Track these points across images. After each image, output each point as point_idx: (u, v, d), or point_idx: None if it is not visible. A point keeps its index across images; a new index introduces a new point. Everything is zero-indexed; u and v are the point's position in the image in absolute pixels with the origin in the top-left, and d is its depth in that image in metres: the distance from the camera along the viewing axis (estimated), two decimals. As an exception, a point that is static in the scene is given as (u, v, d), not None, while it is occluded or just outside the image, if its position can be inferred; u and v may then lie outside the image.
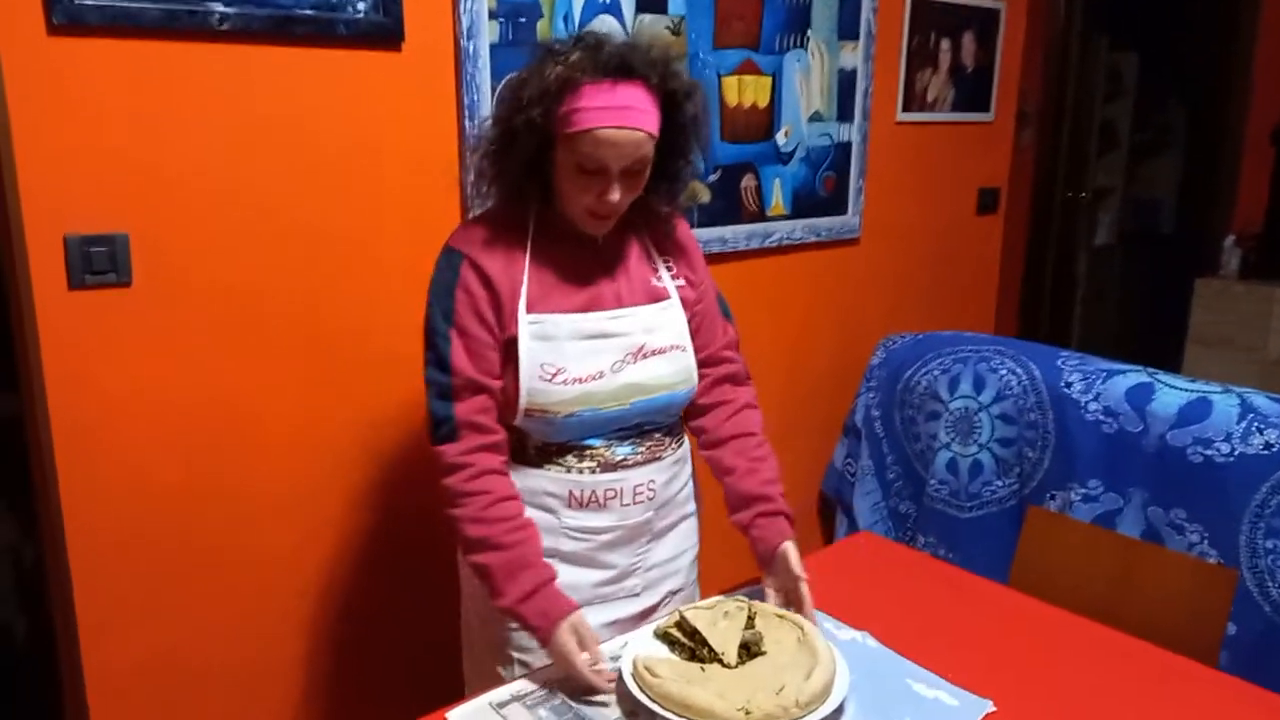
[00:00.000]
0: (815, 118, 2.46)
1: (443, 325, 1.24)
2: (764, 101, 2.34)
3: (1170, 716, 1.19)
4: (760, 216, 2.41)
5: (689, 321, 1.38)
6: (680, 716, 1.04)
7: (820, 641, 1.18)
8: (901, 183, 2.77)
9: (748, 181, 2.36)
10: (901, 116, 2.70)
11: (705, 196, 2.26)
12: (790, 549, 1.33)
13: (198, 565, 1.65)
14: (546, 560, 1.26)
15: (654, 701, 1.07)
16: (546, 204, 1.28)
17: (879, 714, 1.15)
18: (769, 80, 2.33)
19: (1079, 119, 3.76)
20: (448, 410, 1.24)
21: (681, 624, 1.20)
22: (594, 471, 1.32)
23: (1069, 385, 2.15)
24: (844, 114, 2.53)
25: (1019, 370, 2.26)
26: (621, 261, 1.34)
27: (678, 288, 1.38)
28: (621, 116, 1.15)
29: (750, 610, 1.24)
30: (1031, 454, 2.21)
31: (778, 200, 2.44)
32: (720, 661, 1.15)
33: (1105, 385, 2.08)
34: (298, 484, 1.75)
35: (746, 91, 2.29)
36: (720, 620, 1.21)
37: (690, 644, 1.19)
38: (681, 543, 1.47)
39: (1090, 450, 2.08)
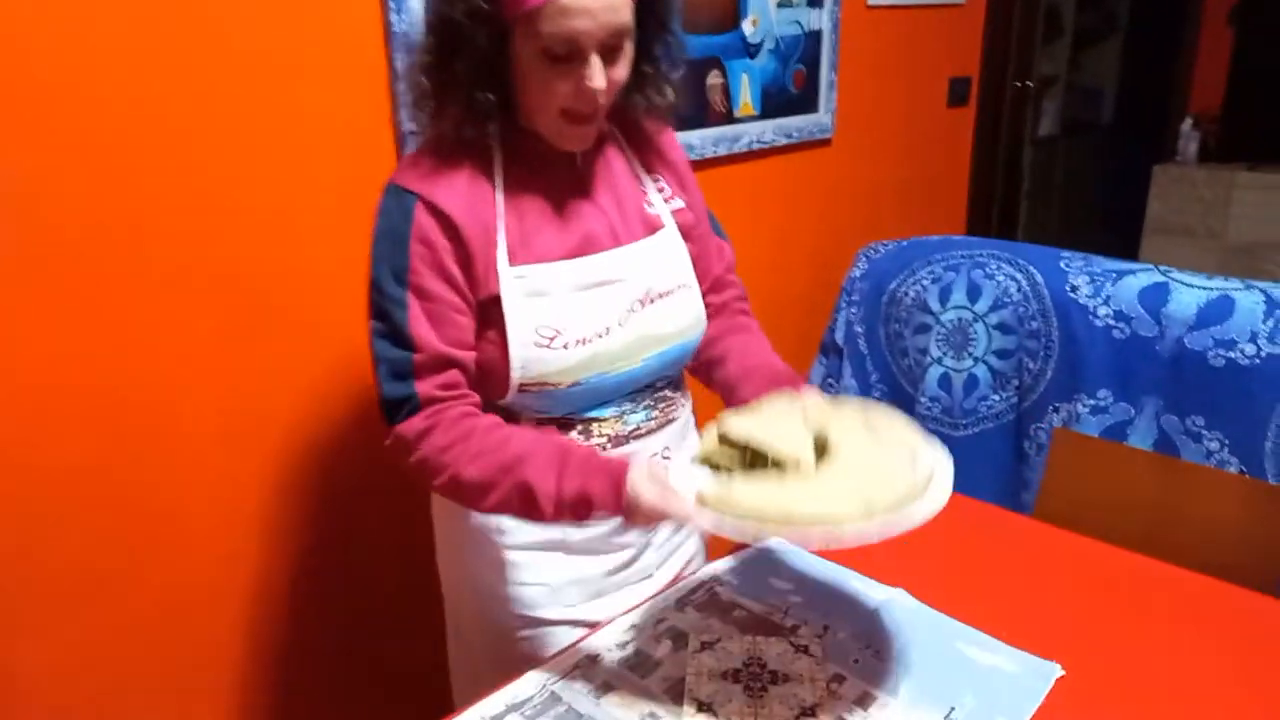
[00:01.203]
0: (784, 3, 2.20)
1: (395, 288, 0.99)
2: (728, -15, 2.06)
3: (1265, 662, 1.05)
4: (728, 118, 2.16)
5: (689, 250, 1.16)
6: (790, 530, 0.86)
7: (895, 420, 1.02)
8: (873, 75, 2.54)
9: (714, 79, 2.10)
10: (873, 0, 2.45)
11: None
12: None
13: (97, 580, 1.40)
14: (553, 551, 1.08)
15: (752, 523, 0.86)
16: (509, 121, 1.05)
17: (935, 690, 0.99)
18: (733, -40, 2.06)
19: (1026, 3, 3.56)
20: (407, 389, 0.99)
21: (726, 441, 0.98)
22: (604, 448, 1.11)
23: (1074, 289, 1.99)
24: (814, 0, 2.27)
25: (1018, 275, 2.08)
26: (609, 187, 1.12)
27: (674, 212, 1.18)
28: None
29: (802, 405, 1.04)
30: (1032, 365, 2.05)
31: (746, 99, 2.19)
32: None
33: (1115, 287, 1.92)
34: (220, 476, 1.49)
35: (709, -27, 2.01)
36: (773, 425, 0.99)
37: (743, 463, 0.97)
38: None
39: (1099, 358, 1.93)
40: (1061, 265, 2.03)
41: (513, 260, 1.02)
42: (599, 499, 0.93)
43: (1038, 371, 2.04)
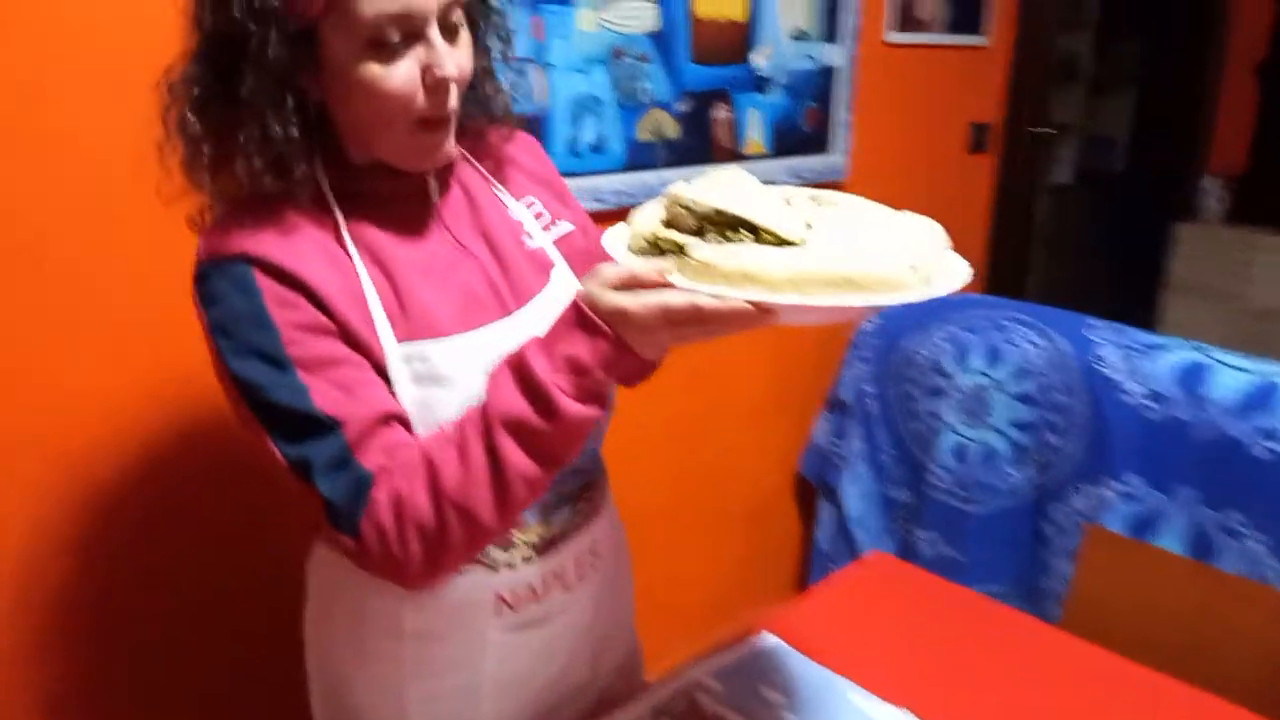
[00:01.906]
0: (799, 36, 2.04)
1: (275, 374, 0.74)
2: (740, 15, 1.91)
3: None
4: (734, 155, 2.00)
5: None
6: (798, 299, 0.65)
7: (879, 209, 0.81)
8: (890, 116, 2.38)
9: (720, 113, 1.94)
10: (892, 37, 2.30)
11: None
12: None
13: None
14: (469, 689, 0.90)
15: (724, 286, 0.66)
16: (330, 160, 0.82)
17: None
18: (747, -13, 1.90)
19: (1041, 50, 3.40)
20: (352, 475, 0.74)
21: (677, 218, 0.73)
22: (528, 560, 0.91)
23: (1100, 360, 1.82)
24: (829, 33, 2.11)
25: (1041, 342, 1.92)
26: (476, 219, 0.90)
27: (560, 239, 0.96)
28: None
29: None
30: (1055, 441, 1.88)
31: (754, 136, 2.03)
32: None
33: (1148, 363, 1.75)
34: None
35: (721, 1, 1.86)
36: (740, 194, 0.75)
37: (714, 236, 0.72)
38: (619, 601, 1.10)
39: (1128, 439, 1.76)
40: (1086, 334, 1.87)
41: (399, 335, 0.79)
42: (577, 347, 0.70)
43: (1060, 448, 1.87)
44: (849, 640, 1.16)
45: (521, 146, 1.00)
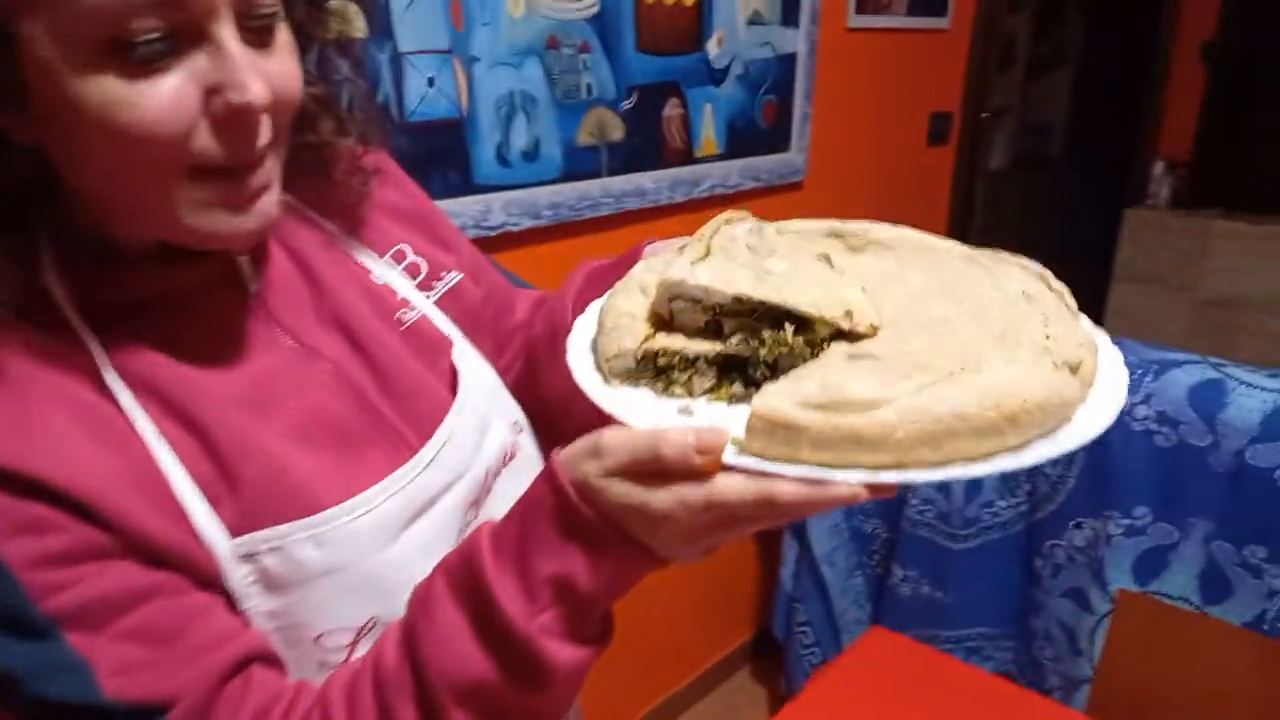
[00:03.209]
0: (755, 20, 1.82)
1: (20, 651, 0.45)
2: (691, -4, 1.67)
3: None
4: (687, 157, 1.77)
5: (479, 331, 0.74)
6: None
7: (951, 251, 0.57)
8: (851, 108, 2.18)
9: (671, 109, 1.70)
10: (854, 21, 2.09)
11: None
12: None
13: None
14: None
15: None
16: (65, 246, 0.53)
17: None
18: (697, -35, 1.67)
19: (995, 33, 3.25)
20: None
21: (681, 303, 0.52)
22: None
23: (1101, 380, 1.64)
24: (788, 16, 1.89)
25: (1033, 360, 1.73)
26: (322, 301, 0.62)
27: (445, 296, 0.70)
28: None
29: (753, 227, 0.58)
30: (1049, 469, 1.70)
31: (709, 135, 1.80)
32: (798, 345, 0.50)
33: (1158, 383, 1.57)
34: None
35: (669, -20, 1.62)
36: (730, 264, 0.52)
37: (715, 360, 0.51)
38: None
39: (1136, 468, 1.59)
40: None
41: (230, 523, 0.52)
42: (570, 564, 0.47)
43: (1056, 478, 1.69)
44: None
45: (377, 163, 0.70)
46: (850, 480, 0.41)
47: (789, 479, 0.41)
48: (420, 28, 1.29)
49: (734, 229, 0.54)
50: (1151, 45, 4.02)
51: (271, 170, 0.53)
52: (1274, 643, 1.29)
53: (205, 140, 0.48)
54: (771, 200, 2.02)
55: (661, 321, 0.51)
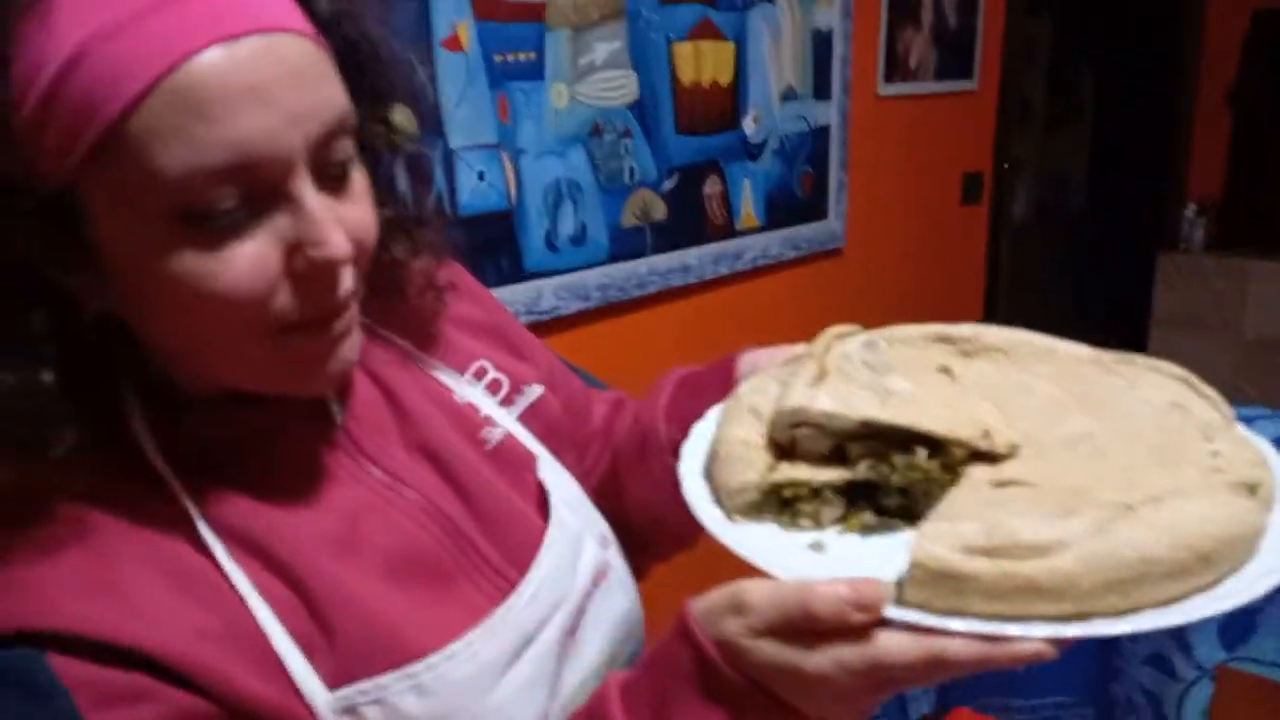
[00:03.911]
0: (788, 95, 1.85)
1: None
2: (726, 77, 1.70)
3: None
4: (729, 231, 1.78)
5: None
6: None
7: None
8: (885, 173, 2.20)
9: (711, 187, 1.72)
10: (884, 89, 2.12)
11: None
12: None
13: None
14: None
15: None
16: (147, 397, 0.51)
17: None
18: (731, 47, 1.70)
19: (1020, 91, 3.27)
20: None
21: (804, 430, 0.49)
22: None
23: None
24: (820, 89, 1.92)
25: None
26: (408, 428, 0.60)
27: (528, 410, 0.68)
28: (233, 10, 0.43)
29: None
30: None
31: (748, 209, 1.82)
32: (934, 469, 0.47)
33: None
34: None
35: (705, 63, 1.65)
36: (849, 385, 0.50)
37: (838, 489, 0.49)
38: None
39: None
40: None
41: (328, 676, 0.50)
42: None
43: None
44: None
45: (452, 289, 0.67)
46: (1034, 636, 0.38)
47: (962, 635, 0.38)
48: (469, 124, 1.32)
49: (846, 345, 0.53)
50: (1172, 93, 4.04)
51: (353, 316, 0.51)
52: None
53: (287, 299, 0.46)
54: (813, 267, 2.03)
55: (781, 449, 0.50)
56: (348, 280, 0.48)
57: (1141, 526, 0.40)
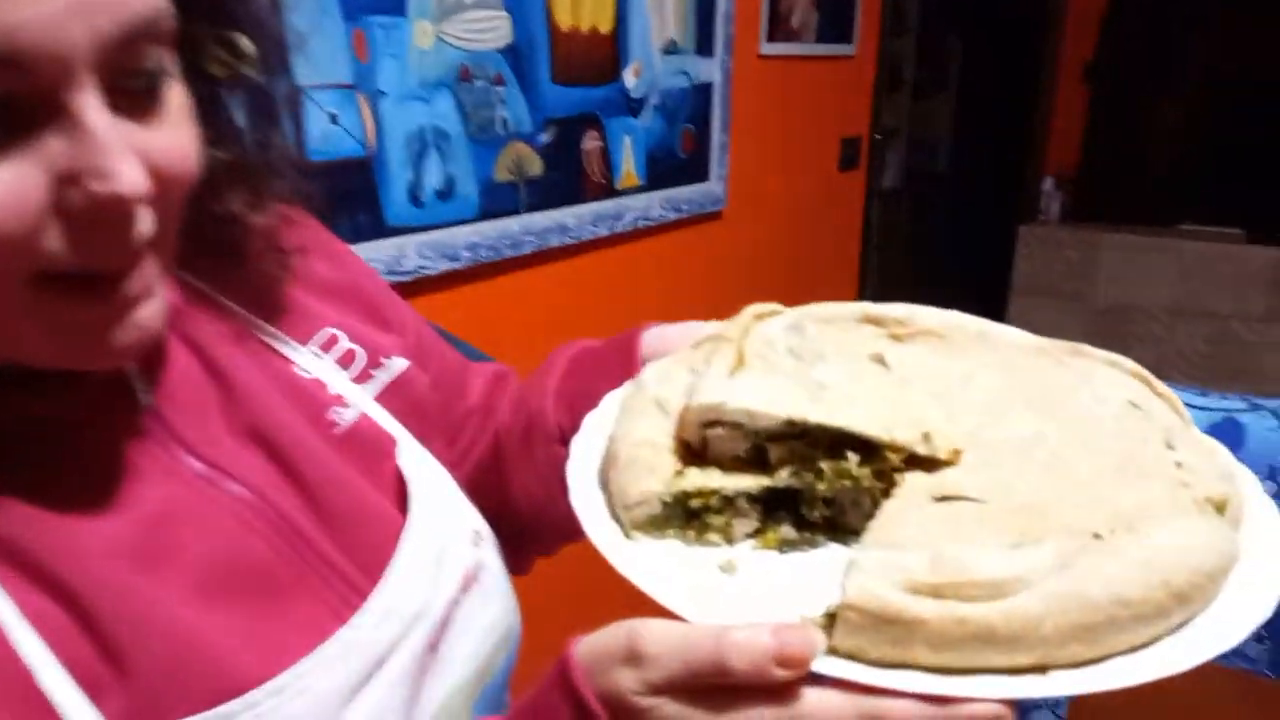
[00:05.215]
0: (670, 49, 1.76)
1: None
2: (607, 25, 1.60)
3: None
4: (609, 191, 1.69)
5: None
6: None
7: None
8: (766, 136, 2.15)
9: (590, 143, 1.62)
10: (766, 48, 2.06)
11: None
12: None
13: None
14: None
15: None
16: None
17: None
18: (612, -8, 1.60)
19: (895, 57, 3.32)
20: None
21: (717, 431, 0.42)
22: None
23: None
24: (703, 44, 1.84)
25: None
26: (237, 409, 0.50)
27: (388, 388, 0.58)
28: None
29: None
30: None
31: (629, 167, 1.73)
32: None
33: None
34: None
35: (584, 7, 1.54)
36: (773, 377, 0.43)
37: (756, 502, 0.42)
38: None
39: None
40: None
41: (112, 715, 0.40)
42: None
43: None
44: None
45: (298, 231, 0.56)
46: (989, 697, 0.31)
47: (905, 696, 0.32)
48: (320, 60, 1.18)
49: (768, 327, 0.46)
50: (1033, 66, 4.17)
51: (152, 272, 0.41)
52: None
53: (58, 243, 0.36)
54: (693, 232, 1.96)
55: (690, 451, 0.42)
56: (143, 224, 0.38)
57: (1112, 560, 0.34)
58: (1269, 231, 3.37)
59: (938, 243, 4.89)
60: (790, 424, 0.39)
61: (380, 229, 1.30)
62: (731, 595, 0.38)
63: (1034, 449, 0.40)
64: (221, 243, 0.51)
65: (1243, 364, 3.46)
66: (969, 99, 4.95)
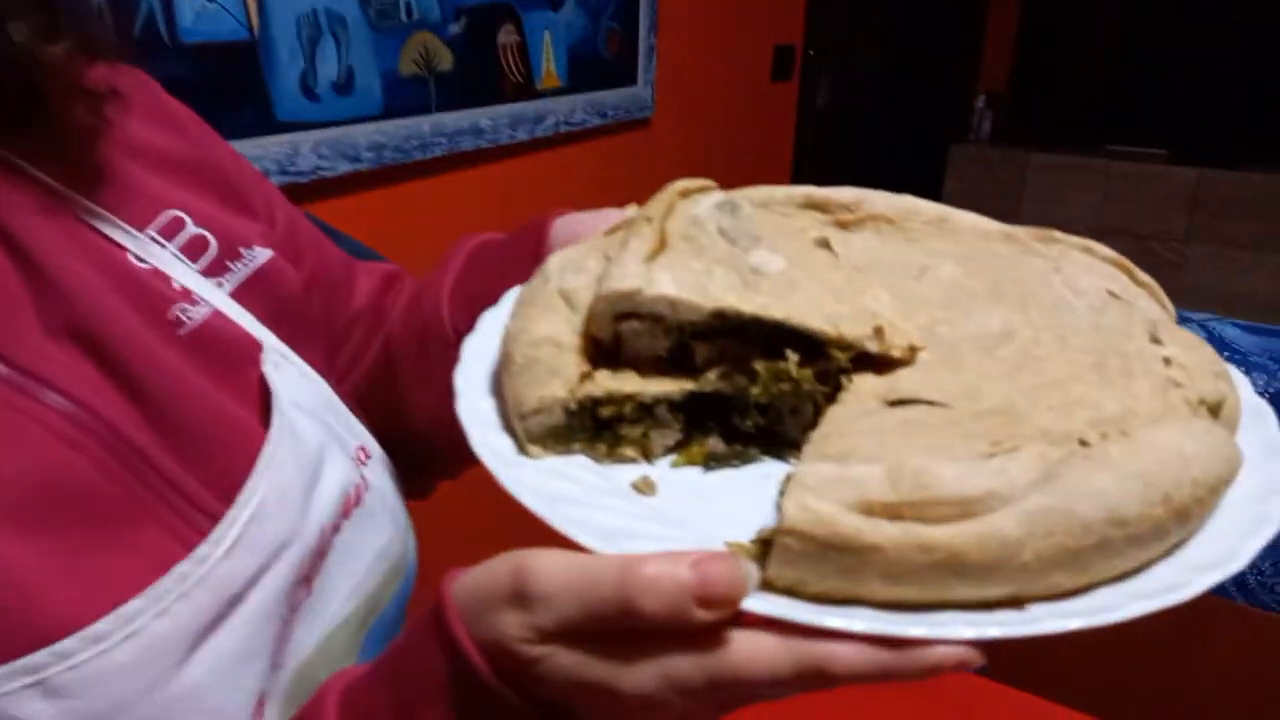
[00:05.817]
0: (594, -64, 1.63)
1: None
2: (523, -97, 1.46)
3: None
4: (527, 91, 1.57)
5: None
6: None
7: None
8: (697, 40, 2.03)
9: (506, 36, 1.50)
10: (698, -58, 1.93)
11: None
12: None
13: None
14: None
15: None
16: None
17: None
18: None
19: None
20: None
21: (634, 324, 0.35)
22: None
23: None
24: (629, -67, 1.71)
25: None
26: (55, 304, 0.40)
27: (247, 281, 0.49)
28: None
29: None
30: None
31: (549, 66, 1.61)
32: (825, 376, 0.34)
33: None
34: None
35: (497, -118, 1.40)
36: (702, 262, 0.36)
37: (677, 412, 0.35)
38: None
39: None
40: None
41: None
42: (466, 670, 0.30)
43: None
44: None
45: (139, 108, 0.47)
46: (955, 639, 0.25)
47: (852, 638, 0.25)
48: (191, -75, 1.04)
49: (696, 206, 0.38)
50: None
51: None
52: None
53: None
54: (620, 140, 1.86)
55: (600, 350, 0.34)
56: None
57: (1103, 472, 0.27)
58: (1191, 152, 3.40)
59: (870, 162, 4.84)
60: (719, 316, 0.32)
61: (269, 124, 1.17)
62: (646, 520, 0.31)
63: (1002, 345, 0.34)
64: (10, 85, 0.40)
65: (1162, 282, 3.52)
66: (905, 16, 4.86)
